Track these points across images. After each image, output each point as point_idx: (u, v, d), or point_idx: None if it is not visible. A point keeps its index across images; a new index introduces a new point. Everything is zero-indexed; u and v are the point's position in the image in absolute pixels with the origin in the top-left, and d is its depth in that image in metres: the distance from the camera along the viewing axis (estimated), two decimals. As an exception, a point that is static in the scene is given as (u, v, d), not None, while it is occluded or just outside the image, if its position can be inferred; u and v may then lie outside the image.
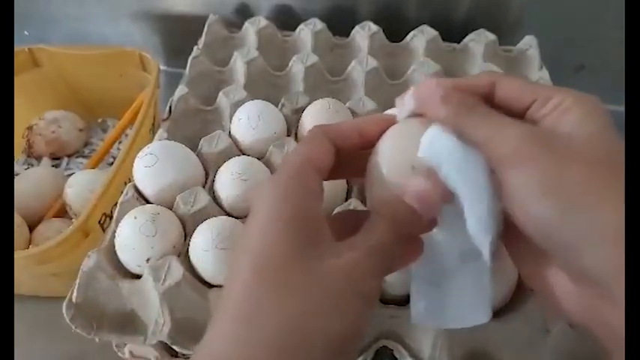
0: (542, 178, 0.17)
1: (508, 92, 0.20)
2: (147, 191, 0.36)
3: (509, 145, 0.18)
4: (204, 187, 0.38)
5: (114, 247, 0.33)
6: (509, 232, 0.20)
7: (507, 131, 0.18)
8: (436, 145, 0.20)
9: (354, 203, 0.35)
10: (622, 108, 0.58)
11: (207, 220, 0.34)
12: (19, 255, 0.35)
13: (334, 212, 0.34)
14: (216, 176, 0.38)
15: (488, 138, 0.18)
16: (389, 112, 0.24)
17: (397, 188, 0.20)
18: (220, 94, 0.44)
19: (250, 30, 0.51)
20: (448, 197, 0.19)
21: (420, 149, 0.20)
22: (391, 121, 0.22)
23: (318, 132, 0.21)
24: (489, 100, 0.20)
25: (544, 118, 0.19)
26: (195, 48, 0.49)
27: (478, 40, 0.49)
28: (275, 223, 0.18)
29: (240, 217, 0.35)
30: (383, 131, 0.22)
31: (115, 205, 0.36)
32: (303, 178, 0.19)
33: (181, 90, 0.44)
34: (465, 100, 0.19)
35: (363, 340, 0.18)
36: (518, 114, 0.19)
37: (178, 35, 0.61)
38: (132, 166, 0.37)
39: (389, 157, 0.21)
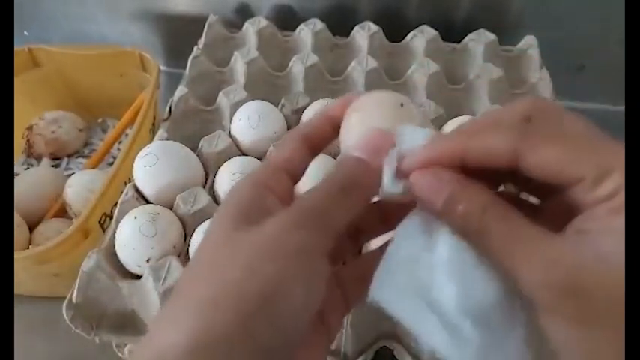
0: (570, 341, 0.16)
1: (542, 165, 0.16)
2: (147, 191, 0.37)
3: (536, 289, 0.16)
4: (204, 187, 0.38)
5: (114, 247, 0.34)
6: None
7: (534, 272, 0.15)
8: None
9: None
10: (622, 108, 0.58)
11: (207, 221, 0.34)
12: (19, 255, 0.35)
13: None
14: (216, 176, 0.38)
15: (509, 268, 0.16)
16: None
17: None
18: (220, 94, 0.44)
19: (250, 30, 0.51)
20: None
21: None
22: (354, 98, 0.22)
23: (290, 134, 0.22)
24: (510, 167, 0.17)
25: (592, 210, 0.16)
26: (195, 48, 0.49)
27: (478, 40, 0.49)
28: (222, 209, 0.20)
29: (240, 217, 0.35)
30: (347, 107, 0.22)
31: (115, 205, 0.37)
32: (263, 178, 0.20)
33: (181, 90, 0.44)
34: (476, 208, 0.17)
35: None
36: (554, 187, 0.17)
37: (178, 35, 0.61)
38: (132, 166, 0.37)
39: (342, 132, 0.22)
